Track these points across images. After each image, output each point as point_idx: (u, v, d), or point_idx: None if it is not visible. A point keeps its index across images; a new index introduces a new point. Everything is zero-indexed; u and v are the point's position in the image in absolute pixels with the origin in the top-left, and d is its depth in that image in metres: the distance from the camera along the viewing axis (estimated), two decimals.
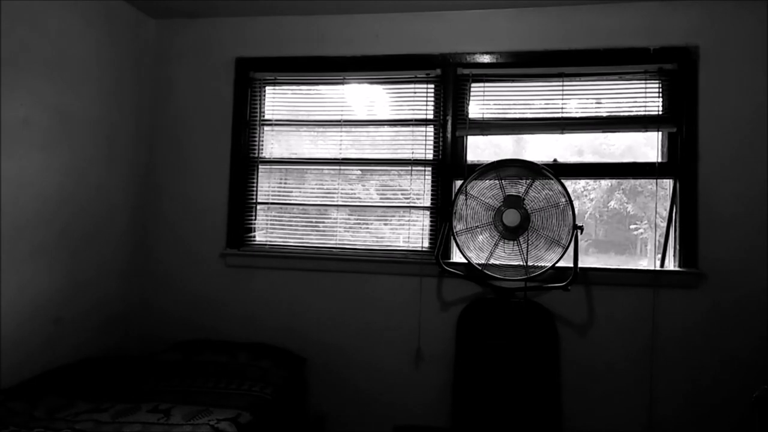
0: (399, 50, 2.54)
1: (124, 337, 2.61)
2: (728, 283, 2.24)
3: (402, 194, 2.58)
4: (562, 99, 2.45)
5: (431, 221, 2.52)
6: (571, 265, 2.15)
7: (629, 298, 2.31)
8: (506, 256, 2.25)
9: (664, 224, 2.37)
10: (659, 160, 2.37)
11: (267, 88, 2.71)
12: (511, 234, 2.21)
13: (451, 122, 2.49)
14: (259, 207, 2.68)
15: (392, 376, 2.46)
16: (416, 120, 2.55)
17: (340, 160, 2.61)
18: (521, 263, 2.21)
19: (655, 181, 2.38)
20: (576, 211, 2.16)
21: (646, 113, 2.38)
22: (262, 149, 2.69)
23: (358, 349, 2.50)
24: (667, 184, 2.38)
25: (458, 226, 2.28)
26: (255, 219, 2.68)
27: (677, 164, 2.33)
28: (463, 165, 2.49)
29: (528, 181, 2.21)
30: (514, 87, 2.51)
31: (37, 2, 2.03)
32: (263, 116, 2.70)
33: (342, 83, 2.63)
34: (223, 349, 2.38)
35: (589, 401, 2.32)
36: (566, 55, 2.40)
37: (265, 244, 2.65)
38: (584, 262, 2.39)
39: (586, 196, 2.60)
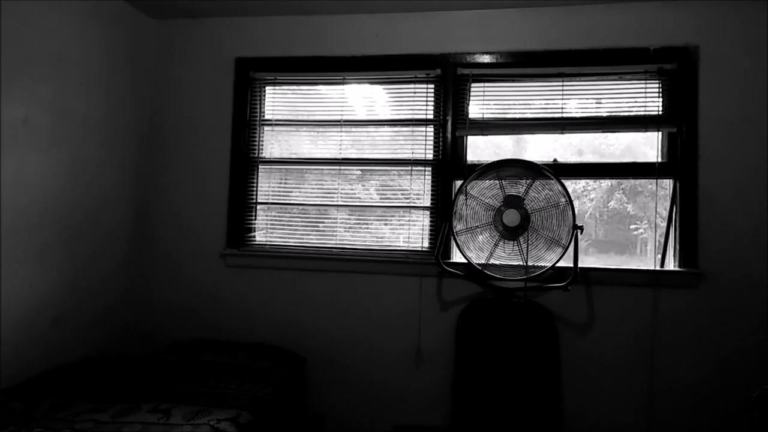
0: (399, 50, 2.54)
1: (124, 337, 2.61)
2: (728, 283, 2.24)
3: (402, 194, 2.58)
4: (562, 99, 2.45)
5: (431, 221, 2.52)
6: (571, 265, 2.15)
7: (629, 298, 2.31)
8: (506, 256, 2.25)
9: (664, 224, 2.37)
10: (659, 160, 2.37)
11: (267, 88, 2.71)
12: (511, 234, 2.21)
13: (451, 122, 2.49)
14: (259, 207, 2.68)
15: (392, 376, 2.46)
16: (416, 120, 2.55)
17: (340, 160, 2.61)
18: (521, 263, 2.20)
19: (655, 181, 2.38)
20: (576, 211, 2.16)
21: (646, 113, 2.38)
22: (262, 149, 2.69)
23: (357, 349, 2.50)
24: (667, 184, 2.38)
25: (458, 226, 2.28)
26: (255, 219, 2.68)
27: (677, 164, 2.33)
28: (463, 165, 2.49)
29: (528, 181, 2.21)
30: (514, 87, 2.51)
31: (37, 2, 2.03)
32: (263, 116, 2.70)
33: (342, 83, 2.63)
34: (223, 349, 2.38)
35: (589, 401, 2.32)
36: (566, 55, 2.40)
37: (265, 244, 2.65)
38: (584, 262, 2.39)
39: (586, 196, 2.60)
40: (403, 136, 2.58)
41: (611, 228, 2.58)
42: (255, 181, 2.68)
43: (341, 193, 2.63)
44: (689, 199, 2.29)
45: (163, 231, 2.70)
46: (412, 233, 2.54)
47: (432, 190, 2.53)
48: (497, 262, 2.25)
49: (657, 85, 2.38)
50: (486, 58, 2.48)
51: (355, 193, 2.64)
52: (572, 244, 2.14)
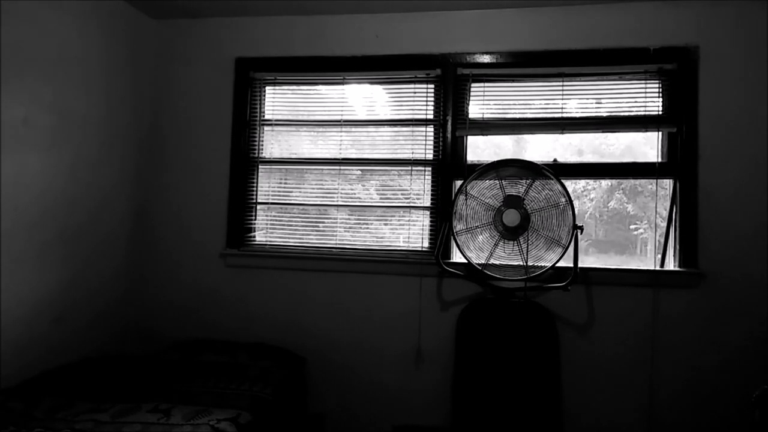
0: (399, 50, 2.54)
1: (124, 337, 2.61)
2: (728, 283, 2.24)
3: (402, 194, 2.58)
4: (562, 99, 2.45)
5: (431, 221, 2.52)
6: (571, 265, 2.15)
7: (629, 298, 2.31)
8: (506, 256, 2.25)
9: (664, 224, 2.37)
10: (659, 160, 2.37)
11: (267, 88, 2.71)
12: (511, 234, 2.21)
13: (451, 122, 2.49)
14: (259, 207, 2.68)
15: (392, 376, 2.46)
16: (416, 120, 2.55)
17: (340, 160, 2.61)
18: (521, 263, 2.20)
19: (655, 181, 2.38)
20: (576, 211, 2.16)
21: (646, 113, 2.38)
22: (262, 149, 2.69)
23: (357, 349, 2.50)
24: (667, 184, 2.38)
25: (458, 226, 2.28)
26: (255, 219, 2.68)
27: (677, 164, 2.33)
28: (463, 165, 2.49)
29: (528, 181, 2.21)
30: (514, 87, 2.51)
31: (37, 2, 2.03)
32: (263, 116, 2.70)
33: (342, 83, 2.63)
34: (223, 349, 2.38)
35: (589, 401, 2.32)
36: (566, 55, 2.40)
37: (265, 244, 2.65)
38: (584, 262, 2.39)
39: (586, 196, 2.60)
40: (403, 136, 2.58)
41: (611, 228, 2.58)
42: (255, 181, 2.68)
43: (341, 193, 2.63)
44: (689, 199, 2.29)
45: (163, 231, 2.70)
46: (412, 233, 2.54)
47: (432, 190, 2.53)
48: (497, 262, 2.25)
49: (657, 85, 2.38)
50: (486, 58, 2.48)
51: (355, 193, 2.64)
52: (572, 244, 2.14)
